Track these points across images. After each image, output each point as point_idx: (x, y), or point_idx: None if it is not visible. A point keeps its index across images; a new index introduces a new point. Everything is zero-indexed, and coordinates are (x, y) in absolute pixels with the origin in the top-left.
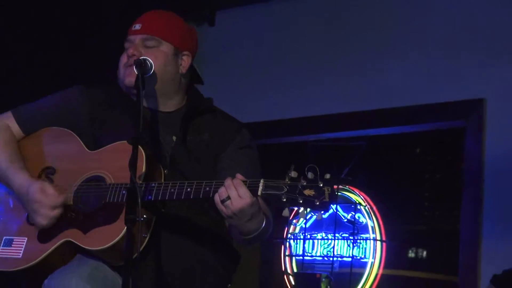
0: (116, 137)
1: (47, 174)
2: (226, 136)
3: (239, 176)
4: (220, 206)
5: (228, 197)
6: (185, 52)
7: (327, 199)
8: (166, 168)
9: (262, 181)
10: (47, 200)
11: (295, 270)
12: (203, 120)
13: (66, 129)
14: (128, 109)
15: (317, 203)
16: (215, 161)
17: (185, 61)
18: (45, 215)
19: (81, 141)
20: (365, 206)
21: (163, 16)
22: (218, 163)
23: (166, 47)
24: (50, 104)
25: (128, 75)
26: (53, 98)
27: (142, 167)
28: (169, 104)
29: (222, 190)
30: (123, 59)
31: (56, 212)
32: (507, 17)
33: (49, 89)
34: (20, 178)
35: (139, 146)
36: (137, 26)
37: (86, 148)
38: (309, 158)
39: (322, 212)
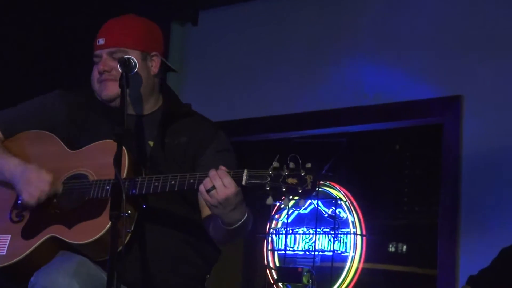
0: (94, 138)
1: None
2: (204, 139)
3: (222, 167)
4: (205, 196)
5: (213, 187)
6: (153, 53)
7: (309, 187)
8: (145, 169)
9: (245, 171)
10: (39, 181)
11: (277, 264)
12: (180, 123)
13: (46, 131)
14: (105, 112)
15: (300, 191)
16: (194, 164)
17: (155, 61)
18: (34, 194)
19: (61, 142)
20: (345, 201)
21: (124, 24)
22: (196, 166)
23: (133, 55)
24: (30, 108)
25: (105, 89)
26: (33, 102)
27: (125, 164)
28: (145, 107)
29: (207, 180)
30: (95, 74)
31: (45, 193)
32: (483, 14)
33: (29, 95)
34: (15, 160)
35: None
36: (101, 41)
37: (67, 148)
38: (292, 154)
39: (307, 202)
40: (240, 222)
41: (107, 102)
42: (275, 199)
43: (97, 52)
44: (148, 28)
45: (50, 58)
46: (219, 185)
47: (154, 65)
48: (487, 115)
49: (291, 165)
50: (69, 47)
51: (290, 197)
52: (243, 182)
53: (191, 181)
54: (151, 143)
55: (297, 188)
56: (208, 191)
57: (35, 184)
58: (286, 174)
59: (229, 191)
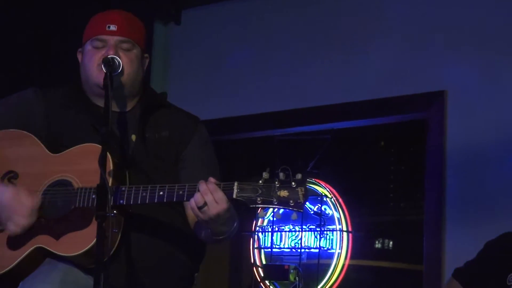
0: (75, 139)
1: (9, 178)
2: (185, 133)
3: (212, 179)
4: (197, 212)
5: (205, 204)
6: (146, 55)
7: (301, 200)
8: (128, 168)
9: (236, 184)
10: (21, 208)
11: (264, 262)
12: (160, 116)
13: (23, 131)
14: (85, 109)
15: (292, 204)
16: (176, 159)
17: (146, 63)
18: (18, 223)
19: (41, 144)
20: (331, 198)
21: (132, 19)
22: (179, 161)
23: (137, 51)
24: (4, 107)
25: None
26: (8, 100)
27: (109, 167)
28: (128, 104)
29: (198, 196)
30: (96, 58)
31: (30, 220)
32: (466, 9)
33: (3, 93)
34: None
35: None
36: (113, 27)
37: (47, 151)
38: (276, 153)
39: (297, 211)
40: (228, 232)
41: (99, 89)
42: (265, 212)
43: (105, 37)
44: (144, 30)
45: (25, 55)
46: (211, 201)
47: (145, 66)
48: (471, 109)
49: (282, 176)
50: (46, 44)
51: (282, 209)
52: (234, 196)
53: (180, 192)
54: (133, 137)
55: (289, 201)
56: (200, 208)
57: (18, 213)
58: (277, 186)
59: (220, 207)
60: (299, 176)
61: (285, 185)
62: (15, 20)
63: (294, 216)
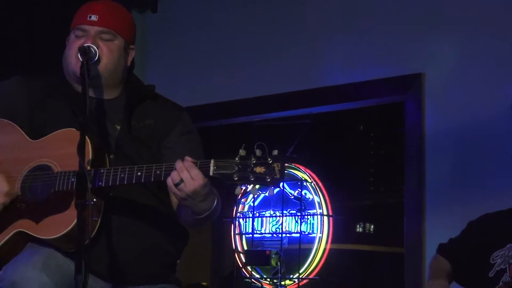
0: (56, 126)
1: None
2: (169, 121)
3: (188, 158)
4: (174, 190)
5: (181, 180)
6: (131, 46)
7: (277, 176)
8: (111, 153)
9: (212, 161)
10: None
11: (245, 248)
12: (146, 106)
13: (5, 119)
14: (68, 98)
15: (269, 180)
16: (160, 146)
17: (131, 54)
18: None
19: (22, 131)
20: (311, 183)
21: (117, 9)
22: (162, 148)
23: (119, 41)
24: None
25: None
26: None
27: (89, 153)
28: (112, 93)
29: (174, 173)
30: (75, 47)
31: (1, 206)
32: None
33: None
34: None
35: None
36: (94, 17)
37: (28, 138)
38: (255, 138)
39: (275, 189)
40: (209, 211)
41: (79, 78)
42: (244, 190)
43: (86, 26)
44: (133, 22)
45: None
46: (187, 177)
47: (130, 57)
48: (448, 92)
49: (258, 153)
50: (30, 31)
51: (259, 186)
52: (211, 173)
53: (158, 172)
54: (118, 126)
55: (266, 177)
56: (176, 185)
57: None
58: (253, 163)
59: (197, 183)
60: (275, 152)
61: (261, 161)
62: None
63: (271, 192)
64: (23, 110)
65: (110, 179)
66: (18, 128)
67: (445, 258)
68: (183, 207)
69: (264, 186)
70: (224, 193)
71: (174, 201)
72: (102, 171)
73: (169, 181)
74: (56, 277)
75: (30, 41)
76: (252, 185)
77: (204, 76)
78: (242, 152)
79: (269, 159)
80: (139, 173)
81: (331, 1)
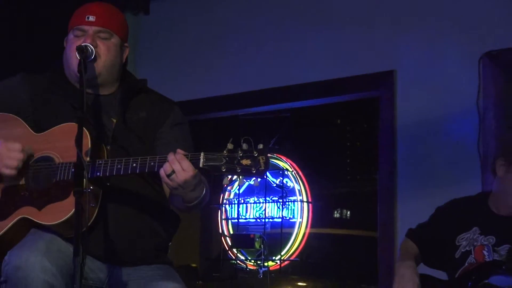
0: (57, 120)
1: None
2: (161, 114)
3: (180, 151)
4: (166, 180)
5: (173, 171)
6: (126, 44)
7: (262, 167)
8: (108, 144)
9: (202, 154)
10: (11, 152)
11: (231, 232)
12: (139, 99)
13: (11, 114)
14: (68, 94)
15: (254, 171)
16: (153, 137)
17: (126, 52)
18: (11, 165)
19: (26, 125)
20: (292, 172)
21: (112, 10)
22: (155, 139)
23: (115, 40)
24: None
25: None
26: None
27: (87, 144)
28: (109, 88)
29: (166, 165)
30: (75, 46)
31: (21, 161)
32: None
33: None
34: None
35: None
36: (91, 18)
37: (32, 131)
38: (240, 131)
39: (259, 179)
40: (199, 199)
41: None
42: (231, 180)
43: (84, 27)
44: (126, 22)
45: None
46: (178, 169)
47: (125, 55)
48: (418, 87)
49: (245, 146)
50: (29, 31)
51: (245, 177)
52: (200, 165)
53: (152, 163)
54: (114, 120)
55: (251, 169)
56: (168, 175)
57: (7, 155)
58: (240, 155)
59: (187, 174)
60: (260, 146)
61: (247, 154)
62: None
63: (256, 183)
64: (27, 105)
65: (108, 170)
66: (23, 122)
67: (413, 242)
68: (175, 195)
69: (250, 177)
70: (212, 181)
71: (167, 190)
72: (100, 162)
73: (162, 172)
74: (57, 261)
75: (29, 40)
76: (239, 178)
77: (193, 73)
78: (229, 145)
79: (254, 152)
80: (134, 164)
81: (308, 3)
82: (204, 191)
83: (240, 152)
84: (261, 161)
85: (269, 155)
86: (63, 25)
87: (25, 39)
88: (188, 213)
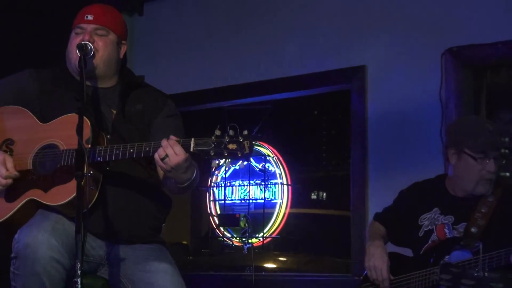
0: (62, 111)
1: (7, 145)
2: (156, 106)
3: (172, 137)
4: (160, 163)
5: (166, 155)
6: (123, 42)
7: (247, 151)
8: (108, 133)
9: (193, 139)
10: (3, 171)
11: (218, 212)
12: (137, 93)
13: (19, 106)
14: (71, 87)
15: (239, 155)
16: (149, 127)
17: (123, 49)
18: (1, 183)
19: (33, 116)
20: (273, 157)
21: (110, 10)
22: (151, 128)
23: (112, 36)
24: (3, 86)
25: None
26: (6, 80)
27: (88, 133)
28: (108, 82)
29: (160, 150)
30: (75, 43)
31: (6, 182)
32: None
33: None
34: None
35: (84, 116)
36: (90, 17)
37: (38, 121)
38: (226, 121)
39: (245, 162)
40: (190, 181)
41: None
42: (218, 163)
43: (84, 25)
44: (124, 21)
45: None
46: (171, 153)
47: (122, 51)
48: (386, 81)
49: (231, 132)
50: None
51: (231, 160)
52: (191, 149)
53: (147, 149)
54: (114, 111)
55: (237, 152)
56: (162, 159)
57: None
58: (227, 141)
59: (179, 158)
60: (245, 132)
61: (233, 139)
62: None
63: (242, 165)
64: (34, 98)
65: (107, 155)
66: (30, 113)
67: (380, 224)
68: (168, 178)
69: (236, 160)
70: (202, 166)
71: (161, 173)
72: (100, 148)
73: (156, 156)
74: (63, 239)
75: (35, 38)
76: (226, 161)
77: (182, 69)
78: (217, 132)
79: (240, 138)
80: (131, 150)
81: (289, 6)
82: (194, 174)
83: (227, 138)
84: (246, 145)
85: (252, 142)
86: (65, 26)
87: (28, 38)
88: (180, 195)
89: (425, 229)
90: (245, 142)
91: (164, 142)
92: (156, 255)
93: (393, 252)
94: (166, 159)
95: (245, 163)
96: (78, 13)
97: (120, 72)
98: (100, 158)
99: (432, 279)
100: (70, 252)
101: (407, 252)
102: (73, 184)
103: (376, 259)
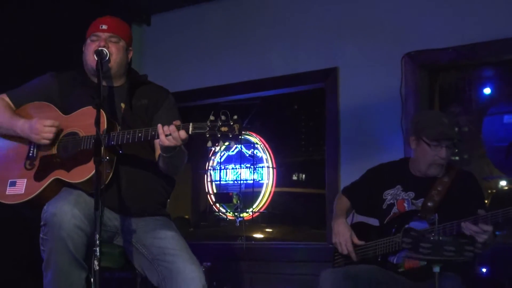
0: (80, 105)
1: None
2: (158, 100)
3: (175, 122)
4: (163, 138)
5: (170, 134)
6: (130, 48)
7: (237, 132)
8: (119, 124)
9: (191, 124)
10: (44, 127)
11: (215, 191)
12: (142, 89)
13: (46, 102)
14: (87, 86)
15: (231, 136)
16: (152, 118)
17: (130, 54)
18: (45, 137)
19: (57, 109)
20: (260, 145)
21: (120, 21)
22: (154, 120)
23: (123, 43)
24: (32, 86)
25: None
26: (34, 82)
27: (104, 124)
28: (119, 81)
29: (166, 127)
30: (92, 49)
31: (50, 134)
32: (353, 4)
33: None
34: (22, 120)
35: (101, 109)
36: (104, 26)
37: (61, 114)
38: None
39: (235, 143)
40: (174, 151)
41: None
42: (213, 143)
43: (99, 33)
44: (131, 31)
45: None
46: (173, 130)
47: (130, 56)
48: (356, 81)
49: (223, 117)
50: (47, 42)
51: (224, 141)
52: (190, 132)
53: (153, 133)
54: (123, 105)
55: (228, 134)
56: (166, 135)
57: (42, 130)
58: (219, 124)
59: (182, 133)
60: (235, 116)
61: (225, 123)
62: (17, 21)
63: (233, 145)
64: (57, 96)
65: (120, 139)
66: (55, 107)
67: (346, 197)
68: (160, 158)
69: (228, 140)
70: (202, 152)
71: (157, 154)
72: (113, 134)
73: (161, 129)
74: (84, 210)
75: (46, 50)
76: (219, 142)
77: (185, 70)
78: (211, 117)
79: (231, 122)
80: (139, 134)
81: (274, 16)
82: (184, 155)
83: (219, 122)
84: (236, 128)
85: (243, 132)
86: (78, 36)
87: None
88: (172, 171)
89: (388, 202)
90: (235, 125)
91: (171, 127)
92: (164, 224)
93: (360, 222)
94: (169, 136)
95: (235, 151)
96: (91, 24)
97: (128, 73)
98: (114, 142)
99: (395, 243)
100: (91, 221)
101: (375, 222)
102: (91, 165)
103: (341, 236)
